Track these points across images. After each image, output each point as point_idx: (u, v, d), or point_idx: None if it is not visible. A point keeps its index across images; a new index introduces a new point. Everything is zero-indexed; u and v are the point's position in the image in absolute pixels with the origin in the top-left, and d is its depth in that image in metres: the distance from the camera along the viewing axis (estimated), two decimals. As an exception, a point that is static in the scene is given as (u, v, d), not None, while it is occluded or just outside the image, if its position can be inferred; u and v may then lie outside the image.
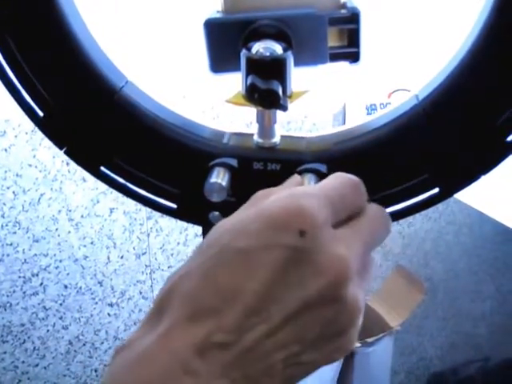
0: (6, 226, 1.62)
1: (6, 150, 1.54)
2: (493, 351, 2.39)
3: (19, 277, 1.70)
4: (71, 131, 0.60)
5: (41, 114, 0.59)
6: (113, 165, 0.62)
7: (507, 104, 0.54)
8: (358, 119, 0.62)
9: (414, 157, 0.58)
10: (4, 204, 1.59)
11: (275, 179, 0.57)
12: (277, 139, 0.60)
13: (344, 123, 1.90)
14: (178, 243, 1.89)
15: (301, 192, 0.45)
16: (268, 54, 0.52)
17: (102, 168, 0.62)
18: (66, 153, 0.61)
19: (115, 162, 0.61)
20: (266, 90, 0.52)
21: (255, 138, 0.60)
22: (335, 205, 0.45)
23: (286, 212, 0.42)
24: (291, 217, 0.42)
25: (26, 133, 1.54)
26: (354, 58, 0.58)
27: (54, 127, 0.60)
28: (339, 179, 0.48)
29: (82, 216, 1.71)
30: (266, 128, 0.59)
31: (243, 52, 0.54)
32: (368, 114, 1.74)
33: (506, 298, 2.36)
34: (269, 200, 0.45)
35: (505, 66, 0.53)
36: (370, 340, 1.98)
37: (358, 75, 1.75)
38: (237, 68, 0.55)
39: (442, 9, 1.73)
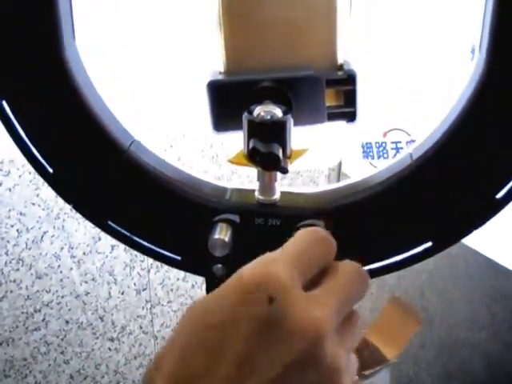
0: (10, 263, 1.64)
1: (10, 189, 1.57)
2: (489, 380, 2.40)
3: (22, 312, 1.71)
4: (80, 188, 0.63)
5: (50, 170, 0.61)
6: (120, 219, 0.64)
7: (496, 162, 0.56)
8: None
9: (407, 212, 0.60)
10: (8, 242, 1.62)
11: (275, 234, 0.60)
12: (277, 196, 0.61)
13: (339, 161, 1.93)
14: (178, 279, 1.91)
15: (267, 258, 0.45)
16: (269, 117, 0.55)
17: (110, 222, 0.64)
18: (74, 208, 0.63)
19: (122, 217, 0.64)
20: (268, 153, 0.54)
21: (256, 194, 0.62)
22: (303, 264, 0.45)
23: (254, 281, 0.42)
24: (259, 285, 0.41)
25: (30, 172, 1.57)
26: (350, 116, 0.61)
27: (63, 184, 0.63)
28: (305, 236, 0.49)
29: (83, 253, 1.73)
30: (266, 186, 0.61)
31: (245, 115, 0.56)
32: (364, 152, 1.75)
33: (501, 327, 2.37)
34: (241, 270, 0.44)
35: (495, 125, 0.55)
36: (366, 373, 1.98)
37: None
38: (239, 127, 0.57)
39: (436, 51, 1.75)
